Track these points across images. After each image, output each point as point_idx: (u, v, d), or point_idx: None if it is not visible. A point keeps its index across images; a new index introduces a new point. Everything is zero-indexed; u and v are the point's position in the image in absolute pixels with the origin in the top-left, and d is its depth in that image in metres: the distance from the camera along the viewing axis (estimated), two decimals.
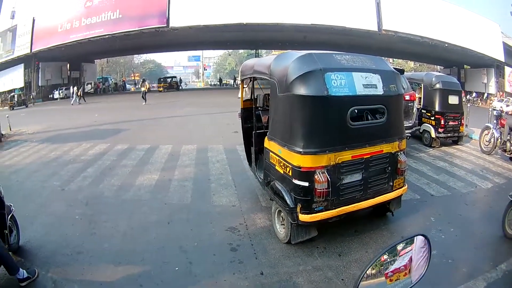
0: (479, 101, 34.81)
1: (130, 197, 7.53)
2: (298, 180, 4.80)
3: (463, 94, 13.75)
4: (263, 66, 6.05)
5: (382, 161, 5.31)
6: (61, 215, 6.58)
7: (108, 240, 5.62)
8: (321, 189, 4.67)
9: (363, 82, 5.00)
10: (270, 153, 5.63)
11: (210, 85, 74.76)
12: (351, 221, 5.80)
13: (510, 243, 5.40)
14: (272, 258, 5.00)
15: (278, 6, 31.20)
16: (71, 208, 6.93)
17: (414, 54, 43.04)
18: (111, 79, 61.15)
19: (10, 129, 16.38)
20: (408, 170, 6.05)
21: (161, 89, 48.94)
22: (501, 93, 34.01)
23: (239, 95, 8.00)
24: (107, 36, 34.44)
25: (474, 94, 35.99)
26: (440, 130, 11.70)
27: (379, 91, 5.14)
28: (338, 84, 4.76)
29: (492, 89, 35.41)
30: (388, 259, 1.79)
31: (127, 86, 62.53)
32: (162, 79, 53.60)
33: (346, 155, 4.90)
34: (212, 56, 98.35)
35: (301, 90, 4.73)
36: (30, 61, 38.37)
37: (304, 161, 4.73)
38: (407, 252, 1.83)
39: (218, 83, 71.27)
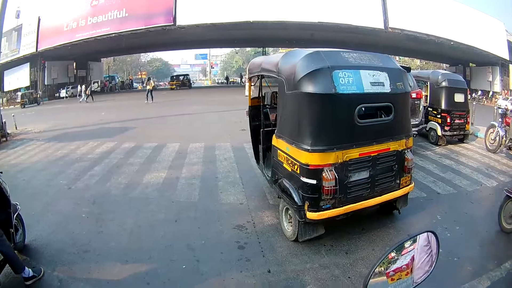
0: (485, 99, 34.56)
1: (137, 195, 7.55)
2: (306, 177, 4.80)
3: (468, 92, 13.68)
4: (271, 64, 6.05)
5: (389, 159, 5.30)
6: (67, 214, 6.60)
7: (115, 238, 5.64)
8: (328, 187, 4.67)
9: (371, 80, 4.99)
10: (278, 151, 5.63)
11: (217, 83, 74.86)
12: (358, 219, 5.80)
13: None
14: (280, 256, 5.01)
15: (285, 4, 31.13)
16: (77, 206, 6.96)
17: (420, 52, 42.82)
18: (117, 78, 61.33)
19: (16, 128, 16.46)
20: (414, 168, 6.03)
21: (174, 86, 49.24)
22: (506, 91, 33.76)
23: (246, 93, 8.01)
24: (113, 35, 34.43)
25: (479, 92, 35.74)
26: (446, 128, 11.67)
27: (386, 89, 5.13)
28: (346, 82, 4.76)
29: (497, 87, 35.11)
30: (396, 257, 1.78)
31: (134, 84, 62.66)
32: (174, 77, 53.80)
33: (354, 153, 4.90)
34: (219, 54, 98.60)
35: (309, 88, 4.72)
36: (36, 60, 38.49)
37: (312, 159, 4.73)
38: (409, 252, 1.81)
39: (225, 81, 71.32)
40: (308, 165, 4.77)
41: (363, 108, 5.29)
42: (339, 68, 4.83)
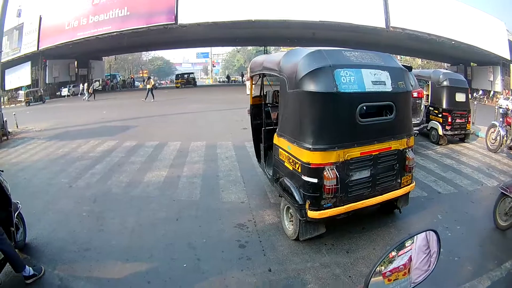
0: (486, 99, 34.53)
1: (139, 194, 7.56)
2: (307, 176, 4.80)
3: (469, 92, 13.67)
4: (272, 62, 6.05)
5: (390, 158, 5.30)
6: (68, 212, 6.61)
7: (116, 237, 5.65)
8: (330, 186, 4.67)
9: (372, 79, 4.99)
10: (279, 149, 5.64)
11: (219, 81, 74.88)
12: (359, 218, 5.80)
13: None
14: (280, 254, 5.01)
15: (286, 3, 31.09)
16: (78, 205, 6.96)
17: (421, 51, 42.73)
18: (119, 76, 61.36)
19: (17, 126, 16.48)
20: (415, 167, 6.03)
21: (179, 85, 49.39)
22: (507, 91, 33.69)
23: (248, 92, 8.01)
24: (115, 34, 34.42)
25: (480, 92, 35.69)
26: (447, 127, 11.66)
27: (388, 87, 5.13)
28: (348, 81, 4.75)
29: (498, 87, 35.03)
30: (396, 256, 1.78)
31: (136, 83, 62.76)
32: (179, 75, 53.85)
33: (355, 152, 4.90)
34: (220, 53, 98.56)
35: (311, 86, 4.72)
36: (37, 58, 38.56)
37: (314, 158, 4.73)
38: (406, 252, 1.79)
39: (227, 79, 71.41)
40: (309, 164, 4.77)
41: (365, 107, 5.28)
42: (341, 67, 4.82)
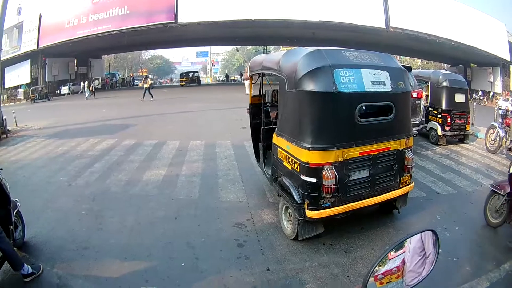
0: (485, 99, 34.59)
1: (137, 193, 7.55)
2: (306, 176, 4.80)
3: (468, 93, 13.69)
4: (272, 62, 6.05)
5: (390, 158, 5.30)
6: (67, 211, 6.60)
7: (114, 235, 5.64)
8: (328, 186, 4.67)
9: (372, 79, 4.99)
10: (278, 149, 5.64)
11: (218, 80, 74.97)
12: (358, 218, 5.81)
13: None
14: (279, 254, 5.01)
15: (286, 2, 31.08)
16: (77, 203, 6.96)
17: (421, 51, 42.76)
18: (118, 75, 61.26)
19: (16, 124, 16.45)
20: (414, 168, 6.03)
21: (183, 83, 49.52)
22: (506, 92, 33.70)
23: (247, 91, 8.00)
24: (114, 32, 34.41)
25: (480, 93, 35.74)
26: (447, 128, 11.67)
27: (387, 88, 5.13)
28: (347, 81, 4.75)
29: (498, 88, 35.07)
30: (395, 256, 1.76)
31: (136, 81, 62.81)
32: (184, 74, 53.80)
33: (354, 152, 4.90)
34: (220, 52, 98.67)
35: (310, 86, 4.72)
36: (37, 57, 38.51)
37: (312, 157, 4.73)
38: (398, 255, 1.75)
39: (225, 79, 71.49)
40: (308, 164, 4.77)
41: (364, 107, 5.28)
42: (340, 66, 4.82)
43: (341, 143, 4.82)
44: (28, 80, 38.32)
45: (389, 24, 31.13)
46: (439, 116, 11.88)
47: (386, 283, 1.72)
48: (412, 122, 7.09)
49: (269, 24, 33.00)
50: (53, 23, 36.64)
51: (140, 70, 78.14)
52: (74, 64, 45.93)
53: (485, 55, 32.30)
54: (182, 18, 32.64)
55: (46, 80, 39.40)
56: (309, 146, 4.75)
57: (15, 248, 4.51)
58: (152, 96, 27.58)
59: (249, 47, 75.57)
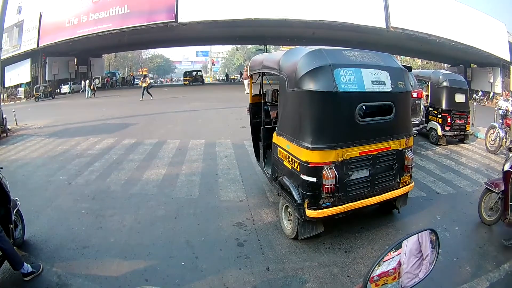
0: (485, 100, 34.59)
1: (137, 192, 7.55)
2: (306, 175, 4.80)
3: (469, 93, 13.68)
4: (272, 61, 6.05)
5: (390, 158, 5.30)
6: (67, 210, 6.60)
7: (114, 234, 5.65)
8: (328, 185, 4.67)
9: (372, 79, 4.99)
10: (279, 148, 5.64)
11: (218, 80, 74.99)
12: (358, 218, 5.82)
13: None
14: (279, 253, 5.01)
15: (287, 2, 31.11)
16: (77, 202, 6.96)
17: (421, 51, 42.77)
18: (118, 74, 61.24)
19: (17, 123, 16.44)
20: (414, 168, 6.03)
21: (187, 82, 49.53)
22: (506, 92, 33.69)
23: (247, 91, 8.00)
24: (115, 31, 34.41)
25: (480, 93, 35.75)
26: (447, 128, 11.67)
27: (388, 87, 5.13)
28: (347, 80, 4.75)
29: (498, 88, 35.07)
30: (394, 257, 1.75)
31: (136, 80, 62.89)
32: (187, 73, 53.82)
33: (354, 151, 4.90)
34: (220, 51, 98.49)
35: (310, 85, 4.72)
36: (37, 56, 38.46)
37: (313, 157, 4.73)
38: (393, 257, 1.73)
39: (225, 78, 71.52)
40: (308, 163, 4.77)
41: (364, 107, 5.28)
42: (341, 66, 4.82)
43: (341, 143, 4.82)
44: (28, 79, 38.26)
45: (389, 24, 31.16)
46: (439, 116, 11.87)
47: (382, 285, 1.71)
48: (412, 122, 7.08)
49: (270, 24, 33.03)
50: (54, 22, 36.59)
51: (140, 69, 78.07)
52: (74, 63, 45.90)
53: (485, 55, 32.31)
54: (183, 17, 32.64)
55: (46, 79, 39.30)
56: (309, 145, 4.75)
57: (15, 247, 4.51)
58: (151, 96, 27.53)
59: (249, 46, 75.53)
